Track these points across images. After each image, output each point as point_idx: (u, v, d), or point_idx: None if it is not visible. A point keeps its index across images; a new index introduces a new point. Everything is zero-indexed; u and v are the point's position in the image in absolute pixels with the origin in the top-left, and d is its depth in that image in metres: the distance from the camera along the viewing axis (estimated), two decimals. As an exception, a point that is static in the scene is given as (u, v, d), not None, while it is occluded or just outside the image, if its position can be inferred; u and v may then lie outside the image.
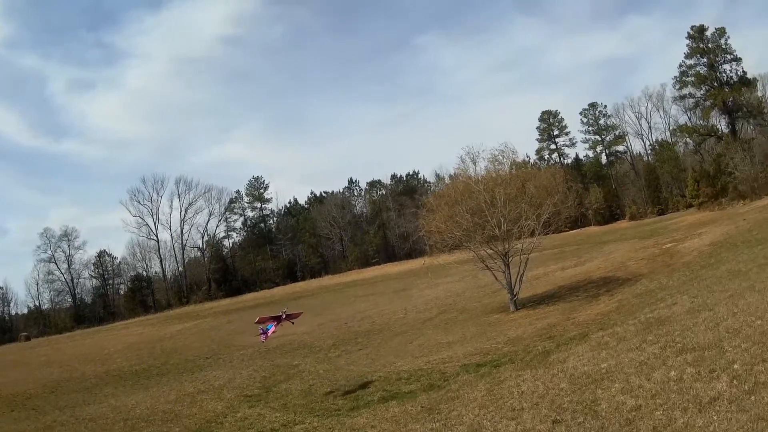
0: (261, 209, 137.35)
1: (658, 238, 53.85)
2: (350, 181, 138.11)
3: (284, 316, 23.30)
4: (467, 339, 28.93)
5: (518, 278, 34.83)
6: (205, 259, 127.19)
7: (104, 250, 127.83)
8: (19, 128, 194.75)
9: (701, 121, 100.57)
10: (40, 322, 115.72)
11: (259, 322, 23.68)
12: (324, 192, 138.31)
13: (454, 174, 39.92)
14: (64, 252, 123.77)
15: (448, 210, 35.06)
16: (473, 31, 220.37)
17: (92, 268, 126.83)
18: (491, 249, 34.83)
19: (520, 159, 37.63)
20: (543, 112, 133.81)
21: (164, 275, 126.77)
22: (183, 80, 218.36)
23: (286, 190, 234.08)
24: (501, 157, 36.28)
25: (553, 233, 37.87)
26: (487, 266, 35.16)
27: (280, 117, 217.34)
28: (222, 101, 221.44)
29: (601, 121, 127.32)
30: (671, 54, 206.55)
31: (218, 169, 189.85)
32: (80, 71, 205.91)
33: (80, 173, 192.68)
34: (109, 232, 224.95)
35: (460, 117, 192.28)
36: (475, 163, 37.01)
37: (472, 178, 36.59)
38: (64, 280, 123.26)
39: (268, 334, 24.17)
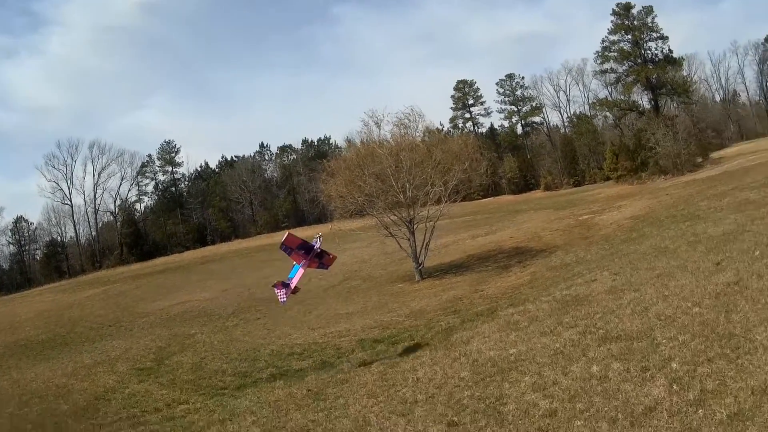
0: (172, 173, 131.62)
1: (575, 210, 52.40)
2: (261, 146, 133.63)
3: (318, 246, 17.17)
4: (368, 310, 27.02)
5: (423, 246, 32.76)
6: (117, 223, 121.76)
7: (21, 216, 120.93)
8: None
9: (622, 97, 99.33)
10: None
11: (287, 245, 16.87)
12: (235, 156, 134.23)
13: (364, 140, 37.03)
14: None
15: (350, 174, 32.65)
16: (391, 2, 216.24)
17: (9, 234, 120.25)
18: (395, 215, 32.64)
19: (429, 124, 35.25)
20: (458, 81, 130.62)
21: (78, 240, 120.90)
22: (103, 48, 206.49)
23: (199, 156, 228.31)
24: (407, 121, 34.03)
25: (463, 201, 35.89)
26: (390, 233, 32.95)
27: (196, 85, 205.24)
28: (140, 69, 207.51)
29: (518, 92, 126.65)
30: (593, 34, 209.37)
31: (135, 134, 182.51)
32: (6, 39, 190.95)
33: (3, 140, 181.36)
34: (28, 198, 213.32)
35: (376, 88, 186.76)
36: (379, 127, 34.63)
37: (375, 142, 34.20)
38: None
39: (292, 287, 17.60)
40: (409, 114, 33.73)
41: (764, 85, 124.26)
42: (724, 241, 19.99)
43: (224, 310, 34.65)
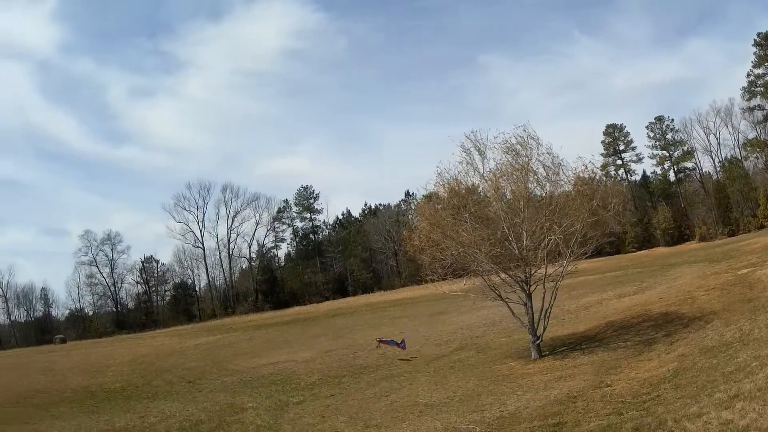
0: (311, 220, 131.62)
1: (731, 262, 43.05)
2: (407, 194, 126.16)
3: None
4: (452, 402, 19.87)
5: (542, 314, 25.03)
6: (253, 269, 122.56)
7: (151, 256, 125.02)
8: (78, 133, 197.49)
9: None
10: (80, 326, 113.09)
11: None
12: (380, 204, 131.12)
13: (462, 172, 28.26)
14: (106, 255, 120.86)
15: (440, 217, 25.42)
16: (535, 51, 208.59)
17: (137, 273, 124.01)
18: (506, 274, 24.95)
19: (548, 149, 25.89)
20: (608, 126, 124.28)
21: (210, 284, 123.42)
22: (245, 92, 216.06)
23: (339, 203, 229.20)
24: (519, 147, 25.22)
25: (593, 256, 27.86)
26: (500, 297, 25.32)
27: (343, 131, 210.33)
28: (286, 114, 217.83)
29: (669, 136, 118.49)
30: (736, 75, 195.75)
31: (279, 181, 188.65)
32: (138, 78, 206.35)
33: (140, 180, 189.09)
34: (162, 238, 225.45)
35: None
36: (483, 155, 25.95)
37: (480, 175, 26.20)
38: (105, 284, 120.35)
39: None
40: (521, 135, 25.20)
41: None
42: None
43: (309, 377, 29.51)
